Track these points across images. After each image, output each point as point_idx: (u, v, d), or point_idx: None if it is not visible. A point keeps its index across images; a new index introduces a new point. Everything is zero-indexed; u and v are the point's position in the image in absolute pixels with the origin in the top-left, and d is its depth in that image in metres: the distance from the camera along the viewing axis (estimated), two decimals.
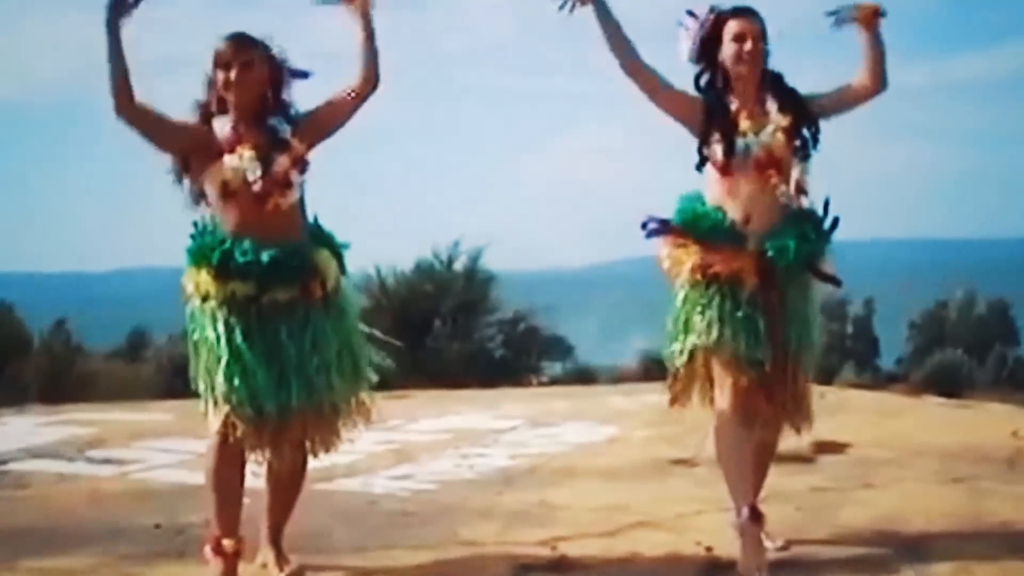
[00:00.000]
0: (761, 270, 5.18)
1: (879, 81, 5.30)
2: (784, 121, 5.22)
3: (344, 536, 5.91)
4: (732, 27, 5.26)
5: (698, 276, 5.22)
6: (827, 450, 7.56)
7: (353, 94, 5.19)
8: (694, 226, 5.21)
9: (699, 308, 5.23)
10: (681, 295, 5.29)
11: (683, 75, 5.38)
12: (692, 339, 5.25)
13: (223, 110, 5.08)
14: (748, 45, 5.24)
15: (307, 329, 5.03)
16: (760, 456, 5.45)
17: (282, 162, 5.00)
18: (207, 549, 5.03)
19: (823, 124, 5.30)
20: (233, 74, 5.01)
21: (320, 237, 5.19)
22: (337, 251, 5.20)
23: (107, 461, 8.15)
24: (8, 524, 6.32)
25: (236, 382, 4.91)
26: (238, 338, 4.94)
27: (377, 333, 5.40)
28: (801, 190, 5.24)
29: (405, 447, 8.43)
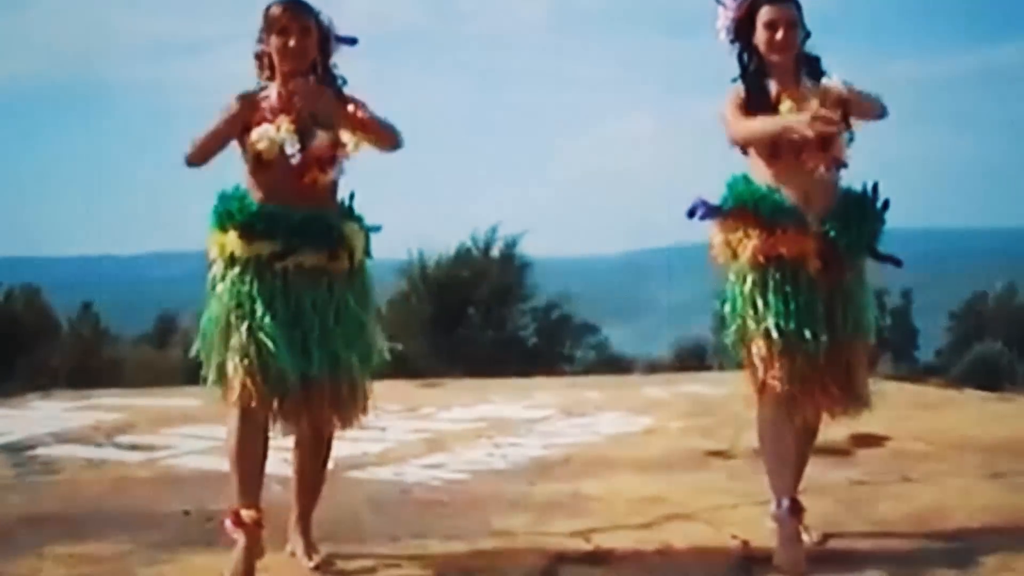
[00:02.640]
0: (824, 253, 5.08)
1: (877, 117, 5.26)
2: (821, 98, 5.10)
3: (376, 524, 5.85)
4: (764, 14, 5.16)
5: (760, 259, 5.08)
6: (865, 443, 7.46)
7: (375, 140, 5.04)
8: (757, 208, 5.09)
9: (763, 291, 5.09)
10: (748, 278, 5.12)
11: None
12: (763, 322, 5.08)
13: (271, 77, 4.97)
14: (780, 34, 5.14)
15: (331, 302, 4.92)
16: (803, 441, 5.37)
17: (322, 138, 4.88)
18: (227, 523, 4.94)
19: None
20: (293, 41, 4.86)
21: (350, 216, 5.07)
22: (365, 231, 5.09)
23: (135, 447, 8.12)
24: (35, 509, 6.29)
25: (256, 349, 4.79)
26: (260, 306, 4.82)
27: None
28: (839, 163, 5.15)
29: (437, 436, 8.38)
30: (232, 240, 4.86)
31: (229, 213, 4.87)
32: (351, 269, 4.99)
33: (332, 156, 4.92)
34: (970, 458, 7.18)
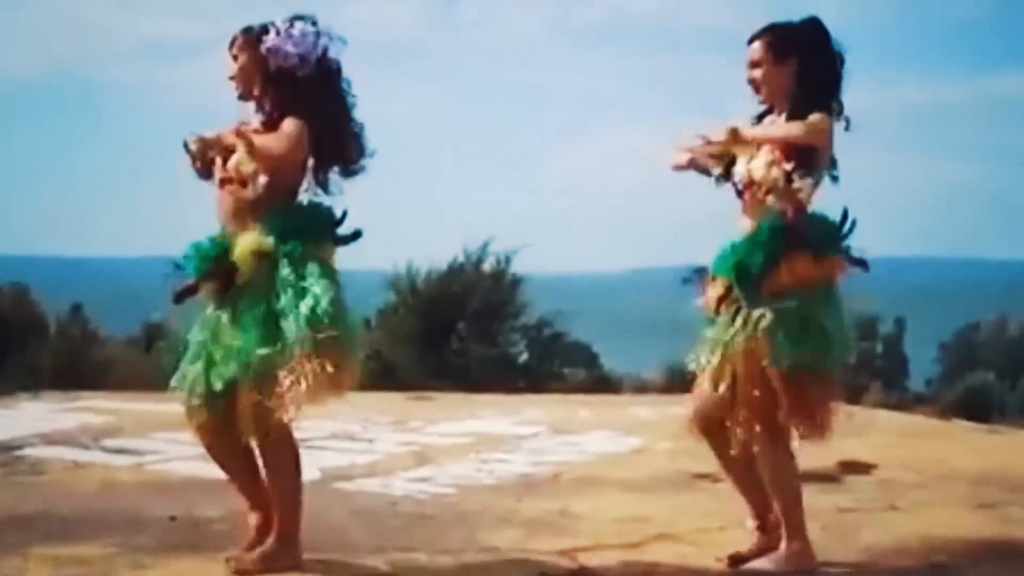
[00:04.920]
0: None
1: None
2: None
3: (362, 536, 5.85)
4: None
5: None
6: (853, 470, 7.46)
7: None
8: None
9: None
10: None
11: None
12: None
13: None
14: (748, 74, 5.25)
15: (232, 313, 5.05)
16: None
17: (236, 158, 5.01)
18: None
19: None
20: (230, 70, 5.20)
21: (303, 223, 5.11)
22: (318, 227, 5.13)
23: (122, 451, 8.12)
24: (21, 510, 6.28)
25: (182, 374, 5.18)
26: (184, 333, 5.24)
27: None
28: (795, 204, 5.11)
29: (425, 449, 8.37)
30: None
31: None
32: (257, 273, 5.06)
33: (241, 175, 5.01)
34: (958, 488, 7.17)
